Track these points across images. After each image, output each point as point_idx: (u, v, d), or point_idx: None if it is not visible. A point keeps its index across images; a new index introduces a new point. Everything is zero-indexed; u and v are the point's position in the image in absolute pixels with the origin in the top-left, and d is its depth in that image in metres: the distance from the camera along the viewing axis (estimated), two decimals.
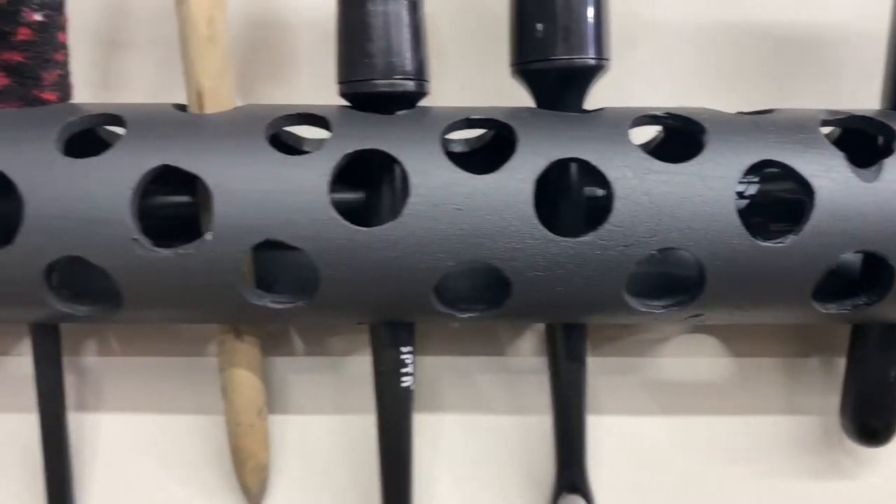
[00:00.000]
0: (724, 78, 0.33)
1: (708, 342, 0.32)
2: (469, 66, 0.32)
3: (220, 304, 0.26)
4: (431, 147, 0.26)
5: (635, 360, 0.32)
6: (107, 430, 0.32)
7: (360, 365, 0.32)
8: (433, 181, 0.25)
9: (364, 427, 0.31)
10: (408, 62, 0.27)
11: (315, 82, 0.32)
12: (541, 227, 0.25)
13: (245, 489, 0.31)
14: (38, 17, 0.26)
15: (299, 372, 0.32)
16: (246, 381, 0.29)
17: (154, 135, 0.26)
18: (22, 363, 0.32)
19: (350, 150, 0.25)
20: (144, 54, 0.33)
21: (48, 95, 0.27)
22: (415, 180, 0.25)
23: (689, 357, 0.32)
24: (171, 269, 0.25)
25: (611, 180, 0.25)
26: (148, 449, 0.32)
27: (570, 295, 0.26)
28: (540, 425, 0.31)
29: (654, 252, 0.25)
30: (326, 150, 0.25)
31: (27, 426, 0.31)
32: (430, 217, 0.25)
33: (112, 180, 0.25)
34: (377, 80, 0.26)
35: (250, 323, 0.29)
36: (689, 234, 0.25)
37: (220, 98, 0.27)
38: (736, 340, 0.32)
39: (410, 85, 0.27)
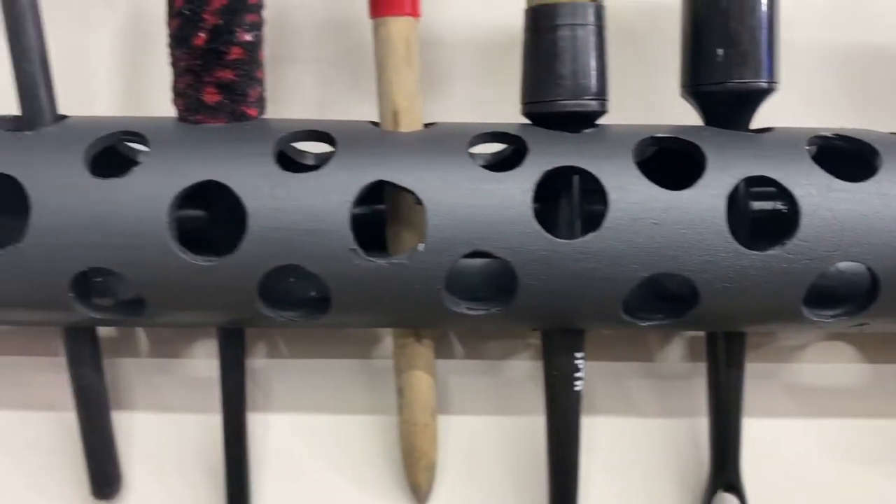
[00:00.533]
0: (854, 98, 0.35)
1: (843, 349, 0.34)
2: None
3: (422, 311, 0.28)
4: (625, 163, 0.27)
5: (777, 366, 0.34)
6: (277, 430, 0.33)
7: (517, 369, 0.33)
8: (632, 196, 0.27)
9: (522, 428, 0.33)
10: (593, 83, 0.28)
11: (467, 99, 0.34)
12: (732, 240, 0.27)
13: (415, 487, 0.32)
14: (248, 36, 0.28)
15: (459, 374, 0.33)
16: (423, 382, 0.31)
17: (363, 151, 0.27)
18: (197, 365, 0.33)
19: (549, 167, 0.27)
20: (305, 70, 0.34)
21: (251, 111, 0.28)
22: (613, 196, 0.27)
23: (827, 363, 0.34)
24: (382, 277, 0.27)
25: (797, 197, 0.27)
26: (314, 448, 0.33)
27: (752, 306, 0.28)
28: (689, 428, 0.33)
29: (834, 266, 0.27)
30: (526, 166, 0.27)
31: (205, 427, 0.32)
32: (629, 230, 0.26)
33: (330, 194, 0.26)
34: (566, 101, 0.28)
35: (442, 328, 0.30)
36: (868, 249, 0.27)
37: (413, 117, 0.29)
38: (870, 347, 0.34)
39: (595, 104, 0.28)
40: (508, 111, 0.29)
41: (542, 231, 0.26)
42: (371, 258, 0.26)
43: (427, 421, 0.31)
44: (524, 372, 0.33)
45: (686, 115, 0.30)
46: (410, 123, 0.29)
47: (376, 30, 0.29)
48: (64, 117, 0.29)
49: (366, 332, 0.33)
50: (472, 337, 0.33)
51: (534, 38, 0.28)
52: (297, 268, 0.26)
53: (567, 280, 0.27)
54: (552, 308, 0.28)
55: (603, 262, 0.27)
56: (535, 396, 0.31)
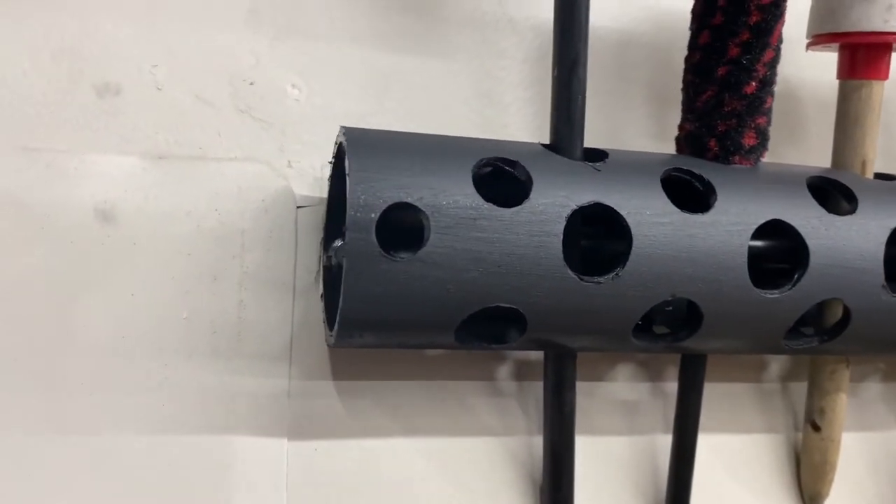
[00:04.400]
0: None
1: None
2: None
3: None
4: None
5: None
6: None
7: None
8: None
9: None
10: None
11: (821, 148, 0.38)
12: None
13: (817, 499, 0.35)
14: (775, 87, 0.30)
15: None
16: (843, 403, 0.34)
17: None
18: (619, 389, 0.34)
19: None
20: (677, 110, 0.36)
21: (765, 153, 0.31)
22: None
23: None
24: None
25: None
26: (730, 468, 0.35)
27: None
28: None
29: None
30: None
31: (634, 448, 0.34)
32: None
33: (867, 235, 0.29)
34: None
35: None
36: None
37: (873, 164, 0.33)
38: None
39: None
40: None
41: None
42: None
43: (839, 437, 0.35)
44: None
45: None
46: (871, 171, 0.33)
47: (855, 90, 0.32)
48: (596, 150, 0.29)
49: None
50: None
51: None
52: None
53: None
54: None
55: None
56: None
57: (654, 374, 0.35)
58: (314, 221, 0.31)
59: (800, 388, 0.36)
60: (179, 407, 0.29)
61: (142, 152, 0.29)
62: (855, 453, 0.37)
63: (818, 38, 0.33)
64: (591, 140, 0.30)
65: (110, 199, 0.29)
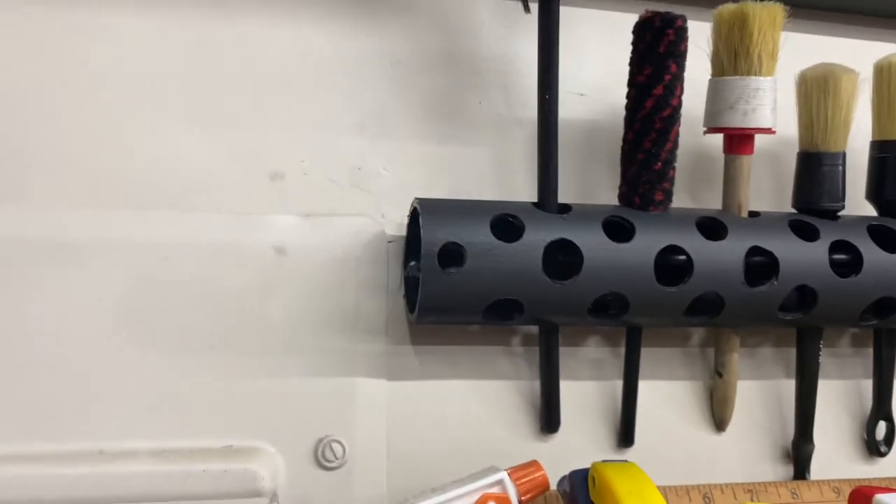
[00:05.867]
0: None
1: None
2: None
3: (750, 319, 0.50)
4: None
5: None
6: None
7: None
8: None
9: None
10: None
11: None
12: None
13: (723, 423, 0.54)
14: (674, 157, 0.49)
15: None
16: (736, 359, 0.53)
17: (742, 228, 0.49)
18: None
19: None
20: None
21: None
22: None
23: None
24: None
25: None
26: (656, 401, 0.54)
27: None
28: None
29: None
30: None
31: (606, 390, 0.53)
32: None
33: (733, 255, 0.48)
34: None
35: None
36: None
37: (746, 208, 0.52)
38: None
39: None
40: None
41: None
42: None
43: (736, 383, 0.54)
44: None
45: None
46: (746, 211, 0.52)
47: (732, 160, 0.51)
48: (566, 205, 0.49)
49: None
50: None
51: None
52: None
53: None
54: None
55: None
56: None
57: (613, 342, 0.54)
58: (398, 250, 0.51)
59: (711, 351, 0.55)
60: (326, 361, 0.49)
61: (298, 212, 0.50)
62: (749, 393, 0.56)
63: (709, 129, 0.52)
64: (570, 193, 0.50)
65: (282, 241, 0.50)
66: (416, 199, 0.48)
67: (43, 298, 0.46)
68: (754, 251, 0.49)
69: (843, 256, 0.51)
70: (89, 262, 0.47)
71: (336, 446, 0.48)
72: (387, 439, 0.50)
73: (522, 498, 0.44)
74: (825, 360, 0.56)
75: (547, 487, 0.44)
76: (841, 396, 0.58)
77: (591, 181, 0.55)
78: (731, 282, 0.48)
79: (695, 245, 0.48)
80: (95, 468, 0.44)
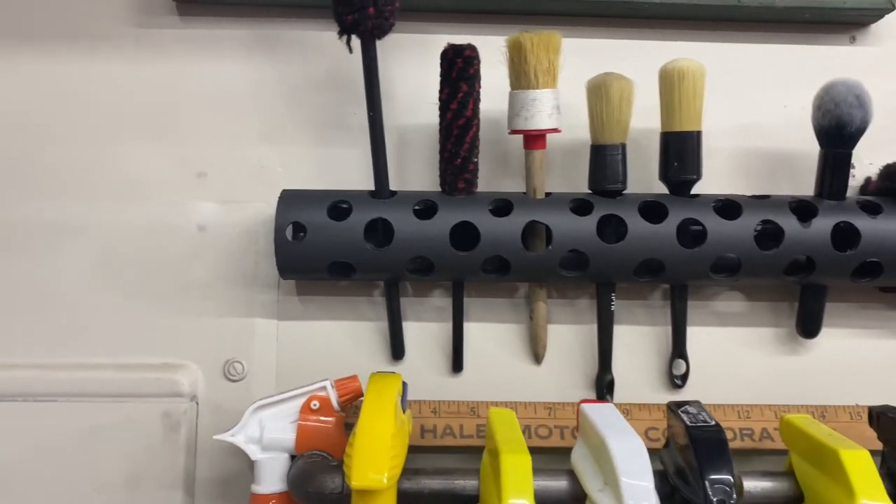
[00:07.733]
0: None
1: None
2: None
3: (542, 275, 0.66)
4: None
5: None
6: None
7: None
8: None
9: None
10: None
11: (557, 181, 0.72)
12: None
13: (538, 357, 0.70)
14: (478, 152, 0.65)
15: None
16: (543, 307, 0.69)
17: (523, 207, 0.65)
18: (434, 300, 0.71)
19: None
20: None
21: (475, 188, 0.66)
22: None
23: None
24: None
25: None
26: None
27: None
28: None
29: None
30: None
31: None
32: None
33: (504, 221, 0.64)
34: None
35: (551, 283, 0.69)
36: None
37: (542, 191, 0.67)
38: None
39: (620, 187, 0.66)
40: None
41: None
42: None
43: (545, 325, 0.69)
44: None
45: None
46: (542, 194, 0.66)
47: (529, 154, 0.66)
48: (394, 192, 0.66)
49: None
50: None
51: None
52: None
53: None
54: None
55: None
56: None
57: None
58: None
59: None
60: (234, 306, 0.70)
61: (216, 200, 0.70)
62: (566, 335, 0.71)
63: (512, 131, 0.67)
64: (418, 182, 0.67)
65: (204, 221, 0.70)
66: (283, 190, 0.67)
67: (39, 262, 0.70)
68: (531, 224, 0.64)
69: (614, 228, 0.65)
70: (71, 237, 0.70)
71: (238, 365, 0.69)
72: (276, 362, 0.70)
73: (341, 399, 0.62)
74: (639, 308, 0.70)
75: (360, 393, 0.63)
76: (651, 339, 0.71)
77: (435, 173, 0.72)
78: (513, 248, 0.64)
79: (483, 220, 0.64)
80: (71, 374, 0.67)
